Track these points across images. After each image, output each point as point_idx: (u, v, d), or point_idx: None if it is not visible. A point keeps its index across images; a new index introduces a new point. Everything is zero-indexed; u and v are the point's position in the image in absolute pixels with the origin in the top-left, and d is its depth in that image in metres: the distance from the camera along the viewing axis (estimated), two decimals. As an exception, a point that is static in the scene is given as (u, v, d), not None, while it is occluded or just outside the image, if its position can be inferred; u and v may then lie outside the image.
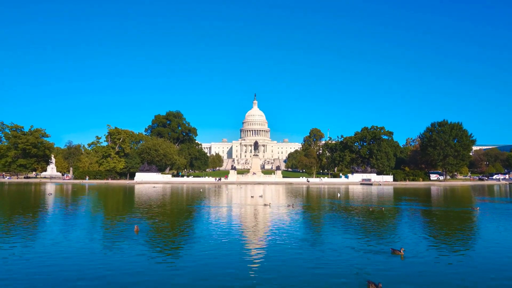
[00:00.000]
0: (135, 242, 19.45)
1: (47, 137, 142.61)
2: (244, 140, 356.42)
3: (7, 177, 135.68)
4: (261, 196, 52.31)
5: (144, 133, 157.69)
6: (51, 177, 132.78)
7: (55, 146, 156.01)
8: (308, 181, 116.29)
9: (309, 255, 16.94)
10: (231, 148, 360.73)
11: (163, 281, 13.14)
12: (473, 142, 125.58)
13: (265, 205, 38.75)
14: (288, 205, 38.73)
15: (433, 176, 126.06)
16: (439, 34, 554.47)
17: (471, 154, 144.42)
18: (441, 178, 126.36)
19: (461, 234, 23.23)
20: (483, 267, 15.09)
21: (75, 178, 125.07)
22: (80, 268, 14.55)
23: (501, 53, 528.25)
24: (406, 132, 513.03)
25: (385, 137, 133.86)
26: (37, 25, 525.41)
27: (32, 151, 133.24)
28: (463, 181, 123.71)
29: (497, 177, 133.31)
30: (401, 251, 16.77)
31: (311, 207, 39.83)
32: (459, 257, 16.80)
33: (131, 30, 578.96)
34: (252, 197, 51.95)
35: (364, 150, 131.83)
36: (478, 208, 36.56)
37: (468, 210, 36.60)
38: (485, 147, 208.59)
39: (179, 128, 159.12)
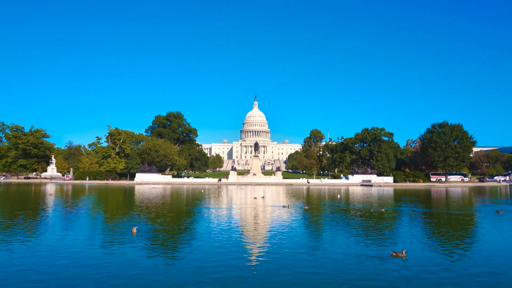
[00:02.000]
0: (133, 243, 19.33)
1: (48, 137, 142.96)
2: (245, 141, 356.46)
3: (4, 177, 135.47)
4: (263, 197, 52.13)
5: (144, 133, 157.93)
6: (52, 178, 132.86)
7: (55, 147, 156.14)
8: (309, 182, 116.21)
9: (310, 258, 16.85)
10: (231, 149, 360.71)
11: (159, 283, 13.04)
12: (474, 144, 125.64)
13: (283, 206, 38.79)
14: (304, 207, 39.02)
15: (457, 177, 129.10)
16: (439, 34, 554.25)
17: (471, 155, 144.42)
18: (466, 179, 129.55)
19: (471, 236, 23.00)
20: (488, 270, 14.96)
21: (75, 178, 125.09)
22: (77, 269, 14.47)
23: (501, 53, 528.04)
24: (406, 133, 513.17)
25: (386, 138, 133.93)
26: (37, 25, 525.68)
27: (33, 152, 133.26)
28: (463, 182, 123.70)
29: (497, 179, 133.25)
30: (403, 252, 16.64)
31: (312, 208, 39.75)
32: (463, 260, 16.68)
33: (131, 30, 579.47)
34: (255, 198, 51.79)
35: (365, 151, 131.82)
36: (502, 211, 35.09)
37: (486, 213, 35.06)
38: (486, 149, 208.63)
39: (180, 128, 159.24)
